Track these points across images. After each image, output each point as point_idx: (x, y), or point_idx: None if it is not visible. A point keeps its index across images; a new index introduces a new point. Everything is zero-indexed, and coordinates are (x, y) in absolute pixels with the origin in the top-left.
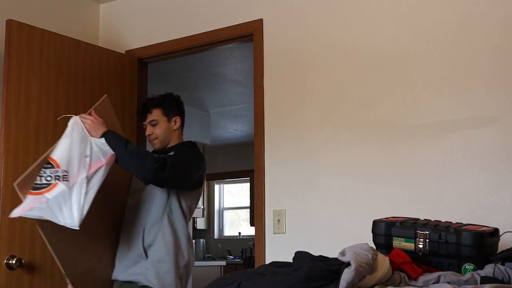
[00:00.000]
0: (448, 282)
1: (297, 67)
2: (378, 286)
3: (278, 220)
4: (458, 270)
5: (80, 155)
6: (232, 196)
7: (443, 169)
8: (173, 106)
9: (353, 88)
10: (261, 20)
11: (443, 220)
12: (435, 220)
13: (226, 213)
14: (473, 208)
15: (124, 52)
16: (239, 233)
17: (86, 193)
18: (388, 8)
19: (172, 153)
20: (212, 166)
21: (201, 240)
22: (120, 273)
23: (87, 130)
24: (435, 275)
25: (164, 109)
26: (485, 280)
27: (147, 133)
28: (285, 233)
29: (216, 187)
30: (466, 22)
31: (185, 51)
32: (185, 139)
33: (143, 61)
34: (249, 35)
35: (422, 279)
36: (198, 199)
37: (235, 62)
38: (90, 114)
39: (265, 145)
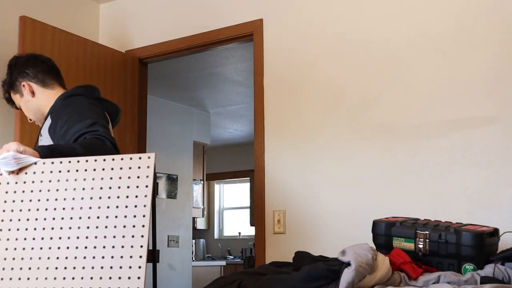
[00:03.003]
0: (448, 282)
1: (297, 67)
2: (378, 286)
3: (278, 220)
4: (458, 270)
5: None
6: (232, 196)
7: (443, 169)
8: (12, 77)
9: (353, 88)
10: (261, 20)
11: (443, 220)
12: (435, 220)
13: (226, 213)
14: (473, 208)
15: (124, 52)
16: (239, 233)
17: None
18: (389, 8)
19: (63, 118)
20: (212, 166)
21: (201, 240)
22: None
23: None
24: (435, 275)
25: (10, 88)
26: (485, 280)
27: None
28: (285, 233)
29: (216, 187)
30: (466, 22)
31: (185, 51)
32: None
33: (143, 61)
34: (249, 35)
35: (422, 279)
36: None
37: (235, 62)
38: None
39: (265, 145)
